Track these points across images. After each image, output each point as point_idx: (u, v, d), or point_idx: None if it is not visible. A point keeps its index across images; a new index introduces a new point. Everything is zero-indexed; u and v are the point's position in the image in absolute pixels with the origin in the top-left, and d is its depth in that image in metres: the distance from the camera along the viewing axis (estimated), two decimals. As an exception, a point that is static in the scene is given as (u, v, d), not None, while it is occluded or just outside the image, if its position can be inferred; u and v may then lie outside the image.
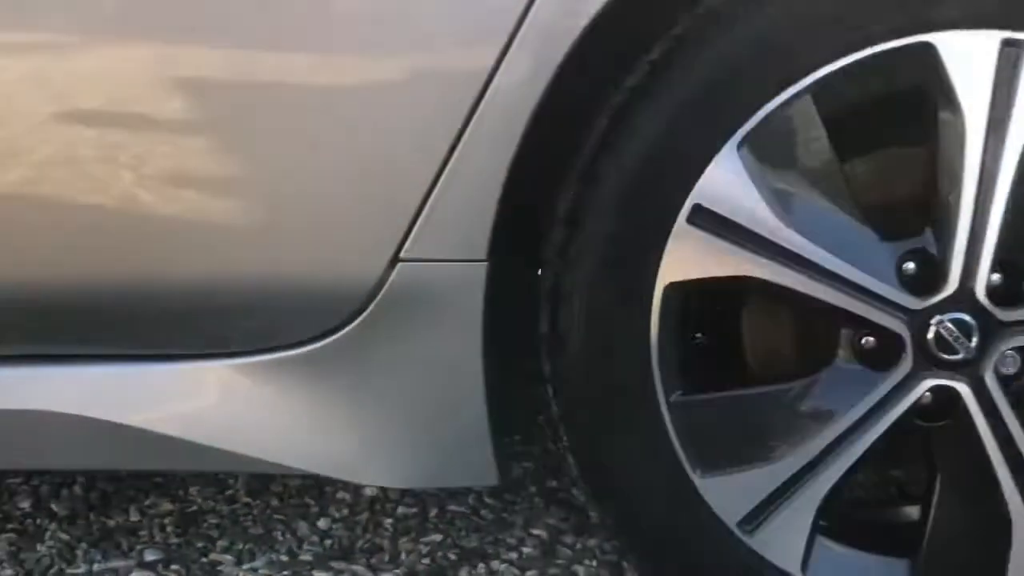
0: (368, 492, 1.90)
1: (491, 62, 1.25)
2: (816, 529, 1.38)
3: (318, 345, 1.37)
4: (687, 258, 1.32)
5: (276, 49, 1.28)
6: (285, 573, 1.71)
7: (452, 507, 1.87)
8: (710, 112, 1.30)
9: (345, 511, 1.86)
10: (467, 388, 1.37)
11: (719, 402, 1.38)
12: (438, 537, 1.80)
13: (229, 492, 1.91)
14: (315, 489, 1.91)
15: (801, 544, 1.38)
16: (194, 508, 1.87)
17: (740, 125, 1.30)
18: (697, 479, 1.37)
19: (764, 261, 1.31)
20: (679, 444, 1.36)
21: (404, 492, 1.90)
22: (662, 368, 1.35)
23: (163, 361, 1.40)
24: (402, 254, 1.32)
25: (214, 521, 1.84)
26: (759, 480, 1.37)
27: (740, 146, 1.30)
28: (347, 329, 1.36)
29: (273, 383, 1.39)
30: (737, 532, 1.38)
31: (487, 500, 1.88)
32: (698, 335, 1.39)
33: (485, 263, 1.33)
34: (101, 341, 1.39)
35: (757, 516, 1.38)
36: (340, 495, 1.90)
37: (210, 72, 1.29)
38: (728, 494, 1.37)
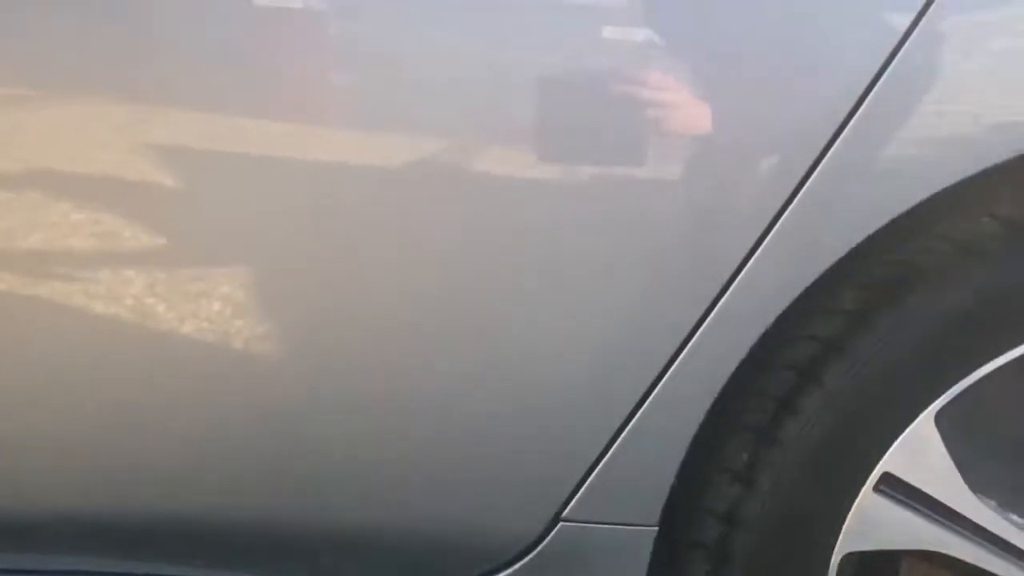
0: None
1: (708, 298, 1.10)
2: None
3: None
4: (870, 528, 1.21)
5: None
6: None
7: None
8: (910, 376, 1.19)
9: None
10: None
11: None
12: None
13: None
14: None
15: None
16: None
17: (941, 393, 1.19)
18: None
19: (954, 537, 1.21)
20: None
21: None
22: (831, 643, 1.23)
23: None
24: (565, 514, 1.18)
25: None
26: None
27: (938, 414, 1.19)
28: (485, 586, 1.21)
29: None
30: None
31: None
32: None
33: (655, 528, 1.19)
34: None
35: None
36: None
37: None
38: None
